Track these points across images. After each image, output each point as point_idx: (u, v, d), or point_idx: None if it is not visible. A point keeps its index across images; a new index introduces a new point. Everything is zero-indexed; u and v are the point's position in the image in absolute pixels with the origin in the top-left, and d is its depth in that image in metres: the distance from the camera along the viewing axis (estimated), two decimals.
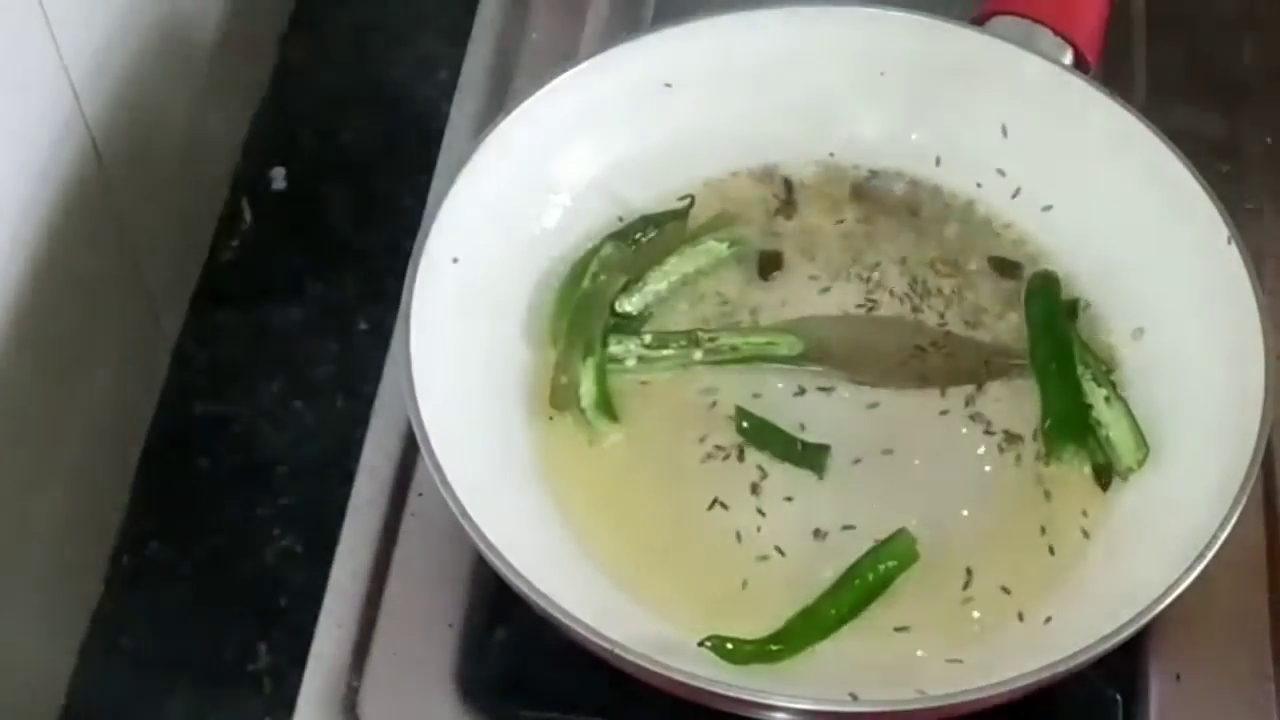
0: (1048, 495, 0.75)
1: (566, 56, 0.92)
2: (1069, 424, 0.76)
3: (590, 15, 0.95)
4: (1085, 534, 0.74)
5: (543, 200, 0.81)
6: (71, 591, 0.90)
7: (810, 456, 0.76)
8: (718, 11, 0.82)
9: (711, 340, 0.78)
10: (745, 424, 0.76)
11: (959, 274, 0.82)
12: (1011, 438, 0.77)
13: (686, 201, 0.83)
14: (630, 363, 0.78)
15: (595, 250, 0.80)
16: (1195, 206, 0.76)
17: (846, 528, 0.74)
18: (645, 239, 0.82)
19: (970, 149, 0.83)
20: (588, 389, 0.76)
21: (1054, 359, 0.77)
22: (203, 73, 1.00)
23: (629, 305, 0.80)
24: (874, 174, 0.84)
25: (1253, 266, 0.74)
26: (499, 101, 0.91)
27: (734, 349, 0.78)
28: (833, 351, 0.79)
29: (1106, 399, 0.76)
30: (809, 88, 0.84)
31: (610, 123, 0.82)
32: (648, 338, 0.79)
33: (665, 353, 0.78)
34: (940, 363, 0.79)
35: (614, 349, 0.78)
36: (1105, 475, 0.75)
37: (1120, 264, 0.80)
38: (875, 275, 0.82)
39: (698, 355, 0.78)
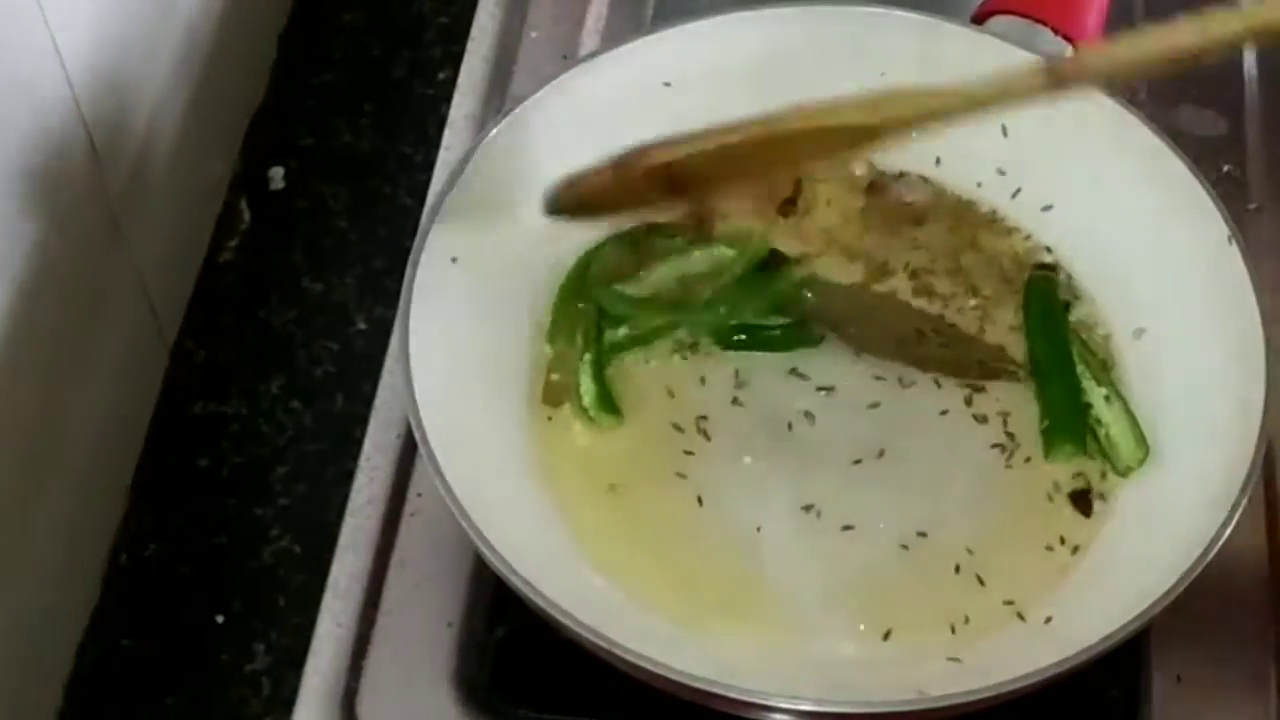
0: (1047, 495, 0.75)
1: (566, 56, 0.92)
2: (1067, 423, 0.76)
3: (590, 15, 0.95)
4: (1086, 533, 0.74)
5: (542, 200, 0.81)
6: (70, 591, 0.90)
7: (798, 335, 0.77)
8: (718, 11, 0.82)
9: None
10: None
11: (959, 274, 0.82)
12: (1012, 437, 0.77)
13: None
14: (620, 336, 0.78)
15: (596, 249, 0.80)
16: (1195, 206, 0.76)
17: (846, 528, 0.74)
18: (646, 241, 0.81)
19: (970, 149, 0.83)
20: (588, 387, 0.76)
21: (1052, 359, 0.77)
22: (201, 71, 1.00)
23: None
24: (875, 174, 0.84)
25: (1253, 266, 0.74)
26: (498, 101, 0.91)
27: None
28: (833, 314, 0.79)
29: (1106, 398, 0.76)
30: (809, 88, 0.83)
31: (610, 123, 0.82)
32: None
33: (655, 323, 0.78)
34: (935, 351, 0.79)
35: (606, 334, 0.78)
36: (1084, 502, 0.75)
37: (1120, 264, 0.80)
38: (875, 275, 0.82)
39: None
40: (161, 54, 0.95)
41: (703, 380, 0.78)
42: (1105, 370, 0.78)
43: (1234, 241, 0.75)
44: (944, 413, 0.77)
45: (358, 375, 0.96)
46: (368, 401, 0.81)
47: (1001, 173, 0.83)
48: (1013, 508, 0.75)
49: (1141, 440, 0.75)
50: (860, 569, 0.73)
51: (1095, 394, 0.77)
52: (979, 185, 0.83)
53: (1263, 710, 0.73)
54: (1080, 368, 0.77)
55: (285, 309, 1.02)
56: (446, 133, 0.90)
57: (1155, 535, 0.71)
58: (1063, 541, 0.74)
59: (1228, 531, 0.67)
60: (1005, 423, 0.77)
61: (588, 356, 0.77)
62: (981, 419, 0.77)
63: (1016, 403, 0.78)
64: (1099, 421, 0.76)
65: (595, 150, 0.82)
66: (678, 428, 0.77)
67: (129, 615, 0.91)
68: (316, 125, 1.09)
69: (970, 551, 0.73)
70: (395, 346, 0.73)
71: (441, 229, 0.75)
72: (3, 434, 0.81)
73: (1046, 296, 0.80)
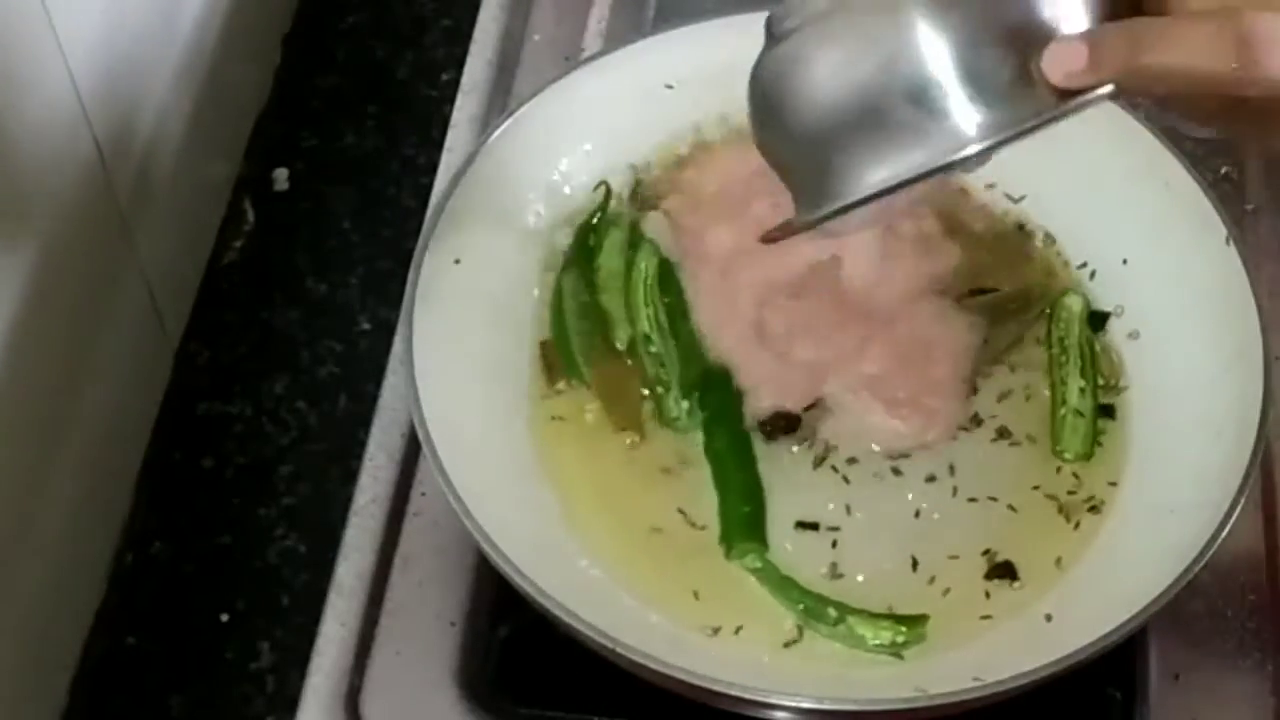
0: (1048, 494, 0.75)
1: (568, 58, 0.93)
2: (746, 523, 0.74)
3: (592, 17, 0.95)
4: (1085, 532, 0.74)
5: (545, 201, 0.81)
6: (76, 589, 0.90)
7: None
8: (719, 14, 0.82)
9: None
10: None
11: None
12: (1013, 436, 0.77)
13: (602, 189, 0.82)
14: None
15: (558, 286, 0.80)
16: (1194, 207, 0.77)
17: (841, 526, 0.74)
18: (593, 245, 0.81)
19: None
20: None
21: (732, 450, 0.76)
22: (206, 73, 1.00)
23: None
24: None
25: (1251, 267, 0.74)
26: (501, 103, 0.91)
27: None
28: None
29: (1081, 390, 0.77)
30: None
31: (612, 124, 0.82)
32: None
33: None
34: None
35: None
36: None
37: (1119, 264, 0.80)
38: None
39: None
40: (166, 57, 0.95)
41: None
42: (1094, 368, 0.78)
43: (1232, 242, 0.75)
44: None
45: (361, 375, 0.97)
46: (371, 402, 0.81)
47: (1001, 175, 0.83)
48: (1013, 506, 0.75)
49: (1089, 443, 0.76)
50: (859, 568, 0.73)
51: (1074, 381, 0.77)
52: (978, 187, 0.83)
53: (1261, 709, 0.73)
54: (1076, 357, 0.78)
55: (289, 310, 1.02)
56: (449, 134, 0.90)
57: (1153, 535, 0.71)
58: (1057, 545, 0.74)
59: (1225, 531, 0.68)
60: (1008, 420, 0.77)
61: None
62: (983, 417, 0.77)
63: (1020, 401, 0.78)
64: (1064, 401, 0.77)
65: (597, 151, 0.82)
66: (679, 429, 0.77)
67: (134, 614, 0.92)
68: (320, 127, 1.10)
69: (969, 550, 0.73)
70: (399, 347, 0.74)
71: (444, 230, 0.76)
72: (9, 434, 0.81)
73: (723, 386, 0.78)
